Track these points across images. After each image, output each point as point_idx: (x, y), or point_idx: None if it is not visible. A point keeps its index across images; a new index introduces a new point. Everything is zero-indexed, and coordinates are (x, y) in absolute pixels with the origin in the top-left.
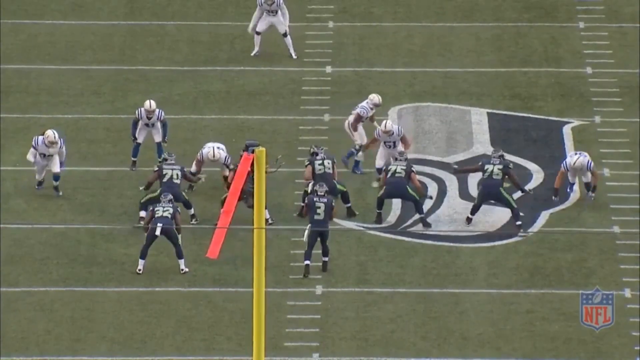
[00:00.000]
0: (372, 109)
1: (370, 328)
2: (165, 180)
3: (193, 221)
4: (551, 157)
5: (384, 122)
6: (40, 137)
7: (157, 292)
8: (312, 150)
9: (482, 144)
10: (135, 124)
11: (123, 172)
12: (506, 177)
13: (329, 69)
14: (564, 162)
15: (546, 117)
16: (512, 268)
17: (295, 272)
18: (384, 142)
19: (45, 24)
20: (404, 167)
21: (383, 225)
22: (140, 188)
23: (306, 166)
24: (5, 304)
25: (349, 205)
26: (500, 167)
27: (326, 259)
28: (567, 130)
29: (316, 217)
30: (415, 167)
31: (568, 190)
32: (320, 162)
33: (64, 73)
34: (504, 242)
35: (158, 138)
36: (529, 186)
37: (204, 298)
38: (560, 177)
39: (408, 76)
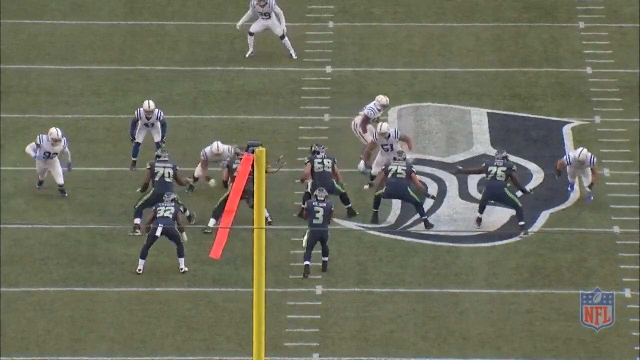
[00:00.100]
0: (379, 110)
1: (370, 328)
2: (157, 179)
3: (192, 222)
4: (551, 157)
5: (380, 124)
6: (45, 135)
7: (157, 292)
8: (313, 148)
9: (482, 144)
10: (134, 124)
11: (123, 172)
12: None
13: (329, 69)
14: (567, 155)
15: (546, 117)
16: (512, 268)
17: (295, 272)
18: (382, 146)
19: (45, 23)
20: (405, 168)
21: (383, 225)
22: (137, 190)
23: (305, 164)
24: (5, 304)
25: (349, 205)
26: (504, 169)
27: (326, 258)
28: (567, 130)
29: (315, 221)
30: (415, 167)
31: (568, 189)
32: (320, 160)
33: (64, 73)
34: (504, 242)
35: (157, 138)
36: (529, 186)
37: (204, 298)
38: (561, 165)
39: (408, 76)
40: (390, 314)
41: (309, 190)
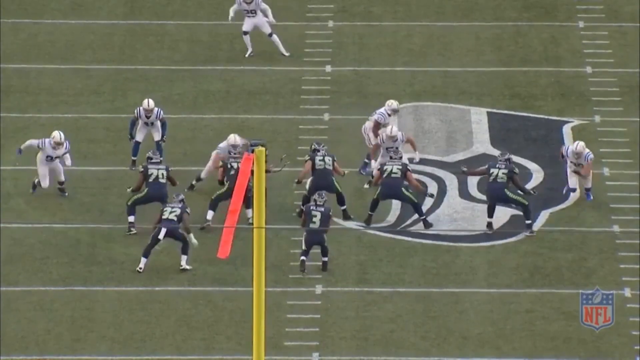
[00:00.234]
0: (389, 114)
1: (370, 327)
2: (151, 180)
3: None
4: (551, 157)
5: (390, 127)
6: (47, 139)
7: (157, 291)
8: (313, 146)
9: (482, 144)
10: (133, 122)
11: (123, 172)
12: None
13: (328, 68)
14: (566, 147)
15: (546, 117)
16: (511, 267)
17: (295, 272)
18: (386, 149)
19: (45, 23)
20: (400, 167)
21: (383, 224)
22: (128, 190)
23: (306, 161)
24: (5, 303)
25: (345, 207)
26: (505, 171)
27: (325, 259)
28: (567, 129)
29: (312, 225)
30: (416, 167)
31: (569, 193)
32: (321, 158)
33: (64, 72)
34: (504, 241)
35: (157, 137)
36: (529, 186)
37: (204, 297)
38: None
39: (408, 76)
40: (390, 314)
41: (307, 187)
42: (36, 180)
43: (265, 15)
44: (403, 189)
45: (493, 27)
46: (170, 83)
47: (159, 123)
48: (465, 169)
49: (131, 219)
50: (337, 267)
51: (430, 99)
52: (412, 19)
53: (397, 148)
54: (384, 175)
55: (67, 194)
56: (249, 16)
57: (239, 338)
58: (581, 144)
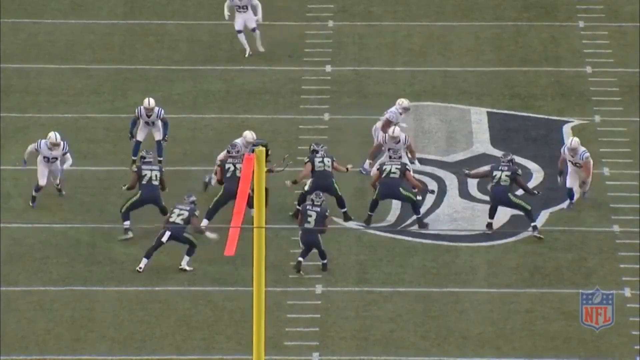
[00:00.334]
0: (401, 113)
1: (370, 327)
2: (144, 182)
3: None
4: (551, 157)
5: (393, 127)
6: (43, 140)
7: (157, 291)
8: (312, 147)
9: (482, 144)
10: (134, 122)
11: (123, 172)
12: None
13: (328, 68)
14: (563, 148)
15: (546, 117)
16: (511, 267)
17: (295, 272)
18: (388, 149)
19: (45, 23)
20: (399, 167)
21: (383, 224)
22: (123, 187)
23: (305, 163)
24: (5, 303)
25: (345, 210)
26: (508, 173)
27: (324, 261)
28: (567, 129)
29: (306, 224)
30: (416, 167)
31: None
32: (320, 159)
33: (64, 72)
34: (504, 241)
35: (158, 136)
36: (529, 186)
37: (204, 297)
38: (562, 161)
39: (408, 75)
40: (390, 314)
41: (306, 188)
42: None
43: (255, 12)
44: (401, 189)
45: (493, 27)
46: (170, 83)
47: (159, 123)
48: (467, 172)
49: (127, 224)
50: (337, 267)
51: (430, 99)
52: (412, 19)
53: (398, 150)
54: (383, 175)
55: (64, 192)
56: (239, 11)
57: (239, 338)
58: (576, 139)
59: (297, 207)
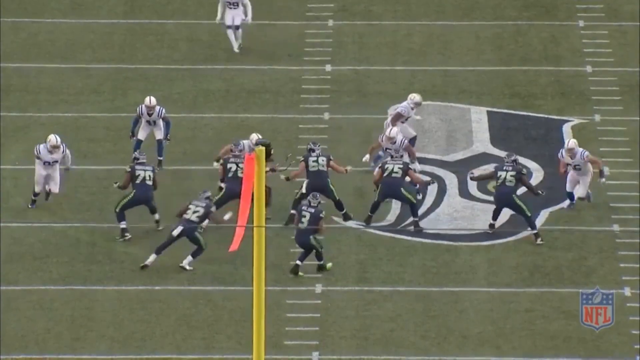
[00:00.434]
0: (412, 108)
1: (370, 327)
2: (138, 182)
3: (160, 227)
4: (551, 156)
5: (390, 128)
6: (42, 145)
7: (157, 290)
8: (309, 146)
9: (482, 143)
10: (136, 121)
11: (123, 171)
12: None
13: (328, 67)
14: (560, 152)
15: (546, 116)
16: (511, 266)
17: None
18: (386, 149)
19: (45, 22)
20: (401, 167)
21: (383, 223)
22: (115, 185)
23: (299, 162)
24: (5, 302)
25: (344, 211)
26: (513, 173)
27: (320, 262)
28: (567, 128)
29: (300, 225)
30: (416, 167)
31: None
32: (315, 159)
33: (64, 71)
34: (504, 240)
35: (159, 135)
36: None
37: (204, 297)
38: (562, 165)
39: (408, 75)
40: (390, 313)
41: (304, 191)
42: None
43: (245, 12)
44: (403, 189)
45: (493, 26)
46: (170, 82)
47: (161, 122)
48: (473, 175)
49: (123, 224)
50: (337, 266)
51: (430, 98)
52: (412, 18)
53: (395, 151)
54: (385, 174)
55: (51, 200)
56: (230, 8)
57: (239, 337)
58: (573, 140)
59: (292, 211)
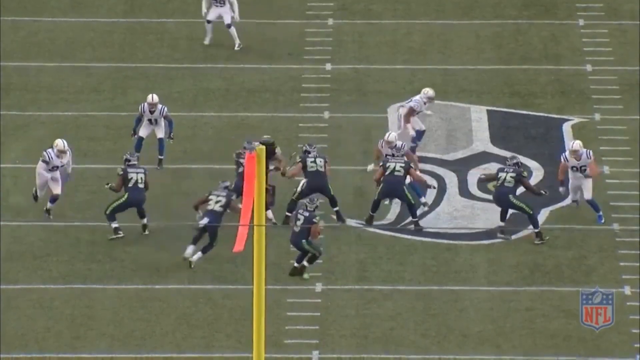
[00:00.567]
0: (425, 102)
1: (370, 325)
2: (130, 185)
3: (146, 231)
4: (551, 155)
5: (389, 132)
6: (50, 150)
7: (157, 289)
8: (304, 148)
9: (482, 142)
10: (138, 120)
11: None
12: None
13: (328, 66)
14: (564, 154)
15: (546, 115)
16: (511, 265)
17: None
18: (385, 155)
19: (45, 21)
20: (403, 165)
21: (383, 222)
22: (106, 186)
23: (297, 163)
24: (5, 301)
25: (337, 209)
26: (513, 175)
27: (305, 263)
28: (566, 127)
29: (295, 227)
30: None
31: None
32: (313, 160)
33: (64, 70)
34: (504, 239)
35: (160, 134)
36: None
37: (204, 295)
38: (562, 170)
39: (407, 73)
40: (390, 312)
41: (299, 189)
42: (35, 190)
43: (232, 9)
44: (404, 188)
45: (493, 25)
46: (170, 81)
47: (162, 121)
48: (482, 177)
49: (115, 224)
50: (337, 265)
51: None
52: (412, 17)
53: (394, 156)
54: (387, 173)
55: (51, 217)
56: (216, 5)
57: (238, 336)
58: (578, 142)
59: (287, 214)
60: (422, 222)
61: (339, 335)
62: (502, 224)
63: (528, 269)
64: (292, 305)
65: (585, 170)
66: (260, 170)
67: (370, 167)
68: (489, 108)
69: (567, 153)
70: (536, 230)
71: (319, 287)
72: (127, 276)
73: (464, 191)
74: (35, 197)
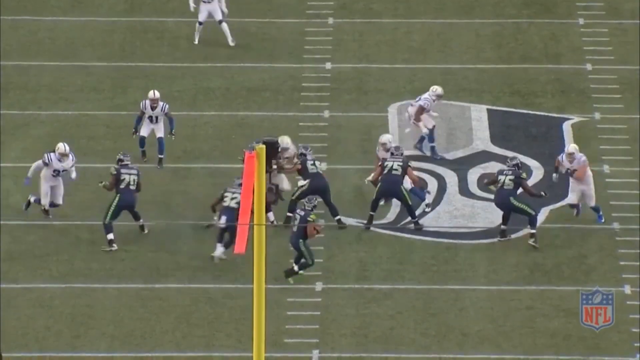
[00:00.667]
0: (434, 100)
1: (369, 324)
2: (122, 186)
3: (145, 231)
4: (551, 154)
5: (382, 135)
6: (52, 154)
7: (157, 288)
8: (300, 151)
9: (482, 141)
10: (139, 119)
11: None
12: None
13: (328, 65)
14: (561, 155)
15: (546, 114)
16: (512, 264)
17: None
18: (382, 159)
19: (45, 20)
20: (401, 164)
21: (383, 221)
22: (100, 184)
23: (296, 164)
24: (5, 300)
25: (338, 217)
26: (512, 177)
27: (295, 267)
28: (567, 126)
29: (293, 228)
30: (416, 164)
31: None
32: (312, 162)
33: (64, 69)
34: (504, 238)
35: (160, 133)
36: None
37: (204, 294)
38: (558, 163)
39: (408, 73)
40: (390, 311)
41: (303, 190)
42: (32, 199)
43: (221, 4)
44: (402, 189)
45: (493, 24)
46: (170, 80)
47: (162, 120)
48: (486, 180)
49: (110, 236)
50: (337, 264)
51: None
52: (412, 16)
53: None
54: (385, 172)
55: (51, 216)
56: (204, 2)
57: (239, 335)
58: (573, 145)
59: (288, 214)
60: (422, 221)
61: (339, 334)
62: (503, 227)
63: (528, 268)
64: (292, 304)
65: (574, 173)
66: (260, 170)
67: (369, 179)
68: (489, 107)
69: (564, 155)
70: (532, 231)
71: (319, 286)
72: (127, 275)
73: (464, 190)
74: (27, 206)
